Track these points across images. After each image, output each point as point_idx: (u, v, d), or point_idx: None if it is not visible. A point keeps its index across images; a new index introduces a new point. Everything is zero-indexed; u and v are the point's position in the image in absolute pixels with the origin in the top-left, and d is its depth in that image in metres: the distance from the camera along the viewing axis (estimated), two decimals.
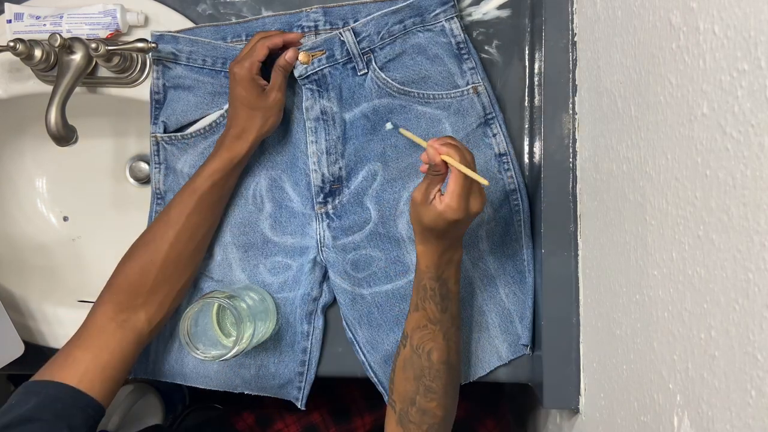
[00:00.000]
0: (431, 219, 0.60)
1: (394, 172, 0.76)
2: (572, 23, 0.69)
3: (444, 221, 0.60)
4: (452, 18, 0.74)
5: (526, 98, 0.77)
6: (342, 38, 0.74)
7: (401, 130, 0.73)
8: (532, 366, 0.77)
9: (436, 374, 0.66)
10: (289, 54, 0.73)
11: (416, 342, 0.66)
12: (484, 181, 0.58)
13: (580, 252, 0.69)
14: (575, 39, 0.69)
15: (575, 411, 0.71)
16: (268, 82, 0.73)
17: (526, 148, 0.77)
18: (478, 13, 0.77)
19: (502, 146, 0.76)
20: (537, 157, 0.74)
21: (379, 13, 0.73)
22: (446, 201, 0.59)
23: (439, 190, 0.61)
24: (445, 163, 0.60)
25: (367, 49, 0.74)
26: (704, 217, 0.40)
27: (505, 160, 0.76)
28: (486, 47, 0.77)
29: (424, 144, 0.64)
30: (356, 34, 0.74)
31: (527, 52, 0.77)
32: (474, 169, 0.59)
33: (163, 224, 0.72)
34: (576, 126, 0.69)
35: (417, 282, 0.66)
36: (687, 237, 0.43)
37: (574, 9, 0.69)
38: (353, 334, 0.78)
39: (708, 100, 0.39)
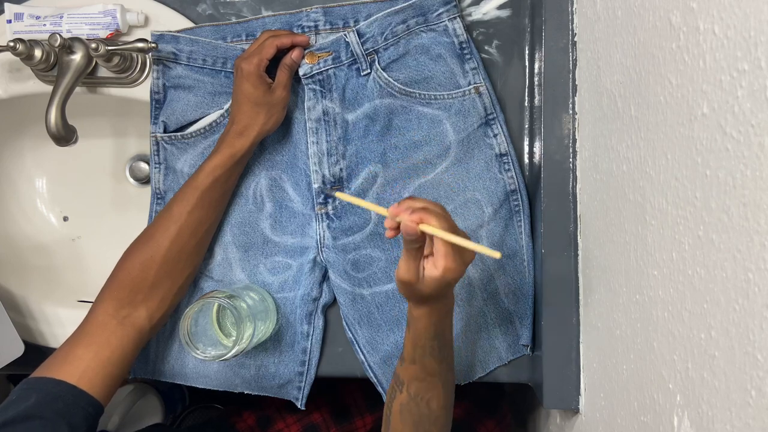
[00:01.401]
0: (432, 288, 0.56)
1: (395, 172, 0.76)
2: (572, 23, 0.69)
3: (446, 284, 0.55)
4: (455, 18, 0.74)
5: (526, 98, 0.77)
6: (347, 39, 0.74)
7: (338, 194, 0.62)
8: (532, 366, 0.77)
9: (436, 420, 0.65)
10: (295, 53, 0.73)
11: (414, 391, 0.64)
12: (493, 253, 0.50)
13: (580, 252, 0.69)
14: (575, 39, 0.69)
15: (575, 411, 0.71)
16: (272, 79, 0.73)
17: (526, 148, 0.77)
18: (478, 13, 0.77)
19: (503, 146, 0.76)
20: (537, 157, 0.74)
21: (383, 13, 0.73)
22: (443, 264, 0.54)
23: (424, 257, 0.56)
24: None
25: (371, 50, 0.74)
26: (704, 217, 0.40)
27: (506, 161, 0.76)
28: (486, 47, 0.77)
29: (380, 211, 0.57)
30: (360, 35, 0.74)
31: (527, 52, 0.77)
32: (453, 225, 0.55)
33: (164, 220, 0.72)
34: (576, 126, 0.69)
35: (414, 340, 0.62)
36: (687, 237, 0.43)
37: (574, 9, 0.69)
38: (353, 334, 0.78)
39: (708, 100, 0.39)
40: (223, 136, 0.73)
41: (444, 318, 0.61)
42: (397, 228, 0.56)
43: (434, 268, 0.54)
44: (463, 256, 0.55)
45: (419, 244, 0.55)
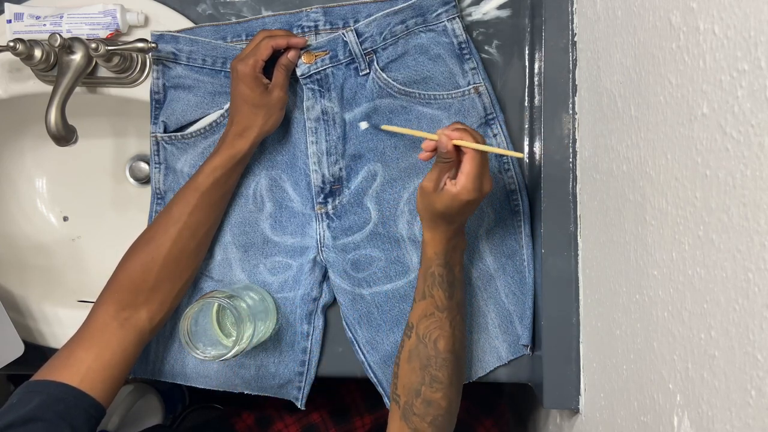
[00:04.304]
0: (445, 203, 0.62)
1: (395, 172, 0.76)
2: (572, 23, 0.69)
3: (459, 203, 0.61)
4: (454, 18, 0.74)
5: (526, 98, 0.77)
6: (345, 39, 0.74)
7: (384, 127, 0.74)
8: (532, 366, 0.77)
9: (443, 363, 0.66)
10: (291, 53, 0.73)
11: (422, 331, 0.66)
12: (517, 154, 0.62)
13: (580, 252, 0.69)
14: (575, 39, 0.69)
15: (575, 411, 0.71)
16: (270, 80, 0.73)
17: (526, 148, 0.77)
18: (478, 13, 0.77)
19: (502, 147, 0.76)
20: (537, 157, 0.74)
21: (382, 13, 0.73)
22: (461, 182, 0.61)
23: (449, 176, 0.62)
24: (456, 150, 0.61)
25: (370, 49, 0.74)
26: (704, 217, 0.40)
27: (505, 160, 0.76)
28: (486, 47, 0.77)
29: (420, 134, 0.66)
30: (359, 34, 0.74)
31: (527, 52, 0.77)
32: (483, 142, 0.62)
33: (164, 221, 0.72)
34: (576, 126, 0.69)
35: (424, 270, 0.67)
36: (687, 237, 0.43)
37: (574, 9, 0.69)
38: (353, 334, 0.78)
39: (708, 100, 0.39)
40: (223, 137, 0.73)
41: (453, 250, 0.67)
42: (433, 150, 0.64)
43: (453, 185, 0.61)
44: (482, 183, 0.62)
45: (450, 161, 0.62)
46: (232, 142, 0.72)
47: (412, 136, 0.74)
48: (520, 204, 0.76)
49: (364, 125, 0.76)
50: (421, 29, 0.74)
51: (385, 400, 0.78)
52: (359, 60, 0.74)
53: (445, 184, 0.62)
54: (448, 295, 0.66)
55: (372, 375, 0.78)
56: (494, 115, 0.75)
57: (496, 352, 0.77)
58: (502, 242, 0.76)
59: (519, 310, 0.76)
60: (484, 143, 0.62)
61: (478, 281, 0.76)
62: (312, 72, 0.75)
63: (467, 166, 0.60)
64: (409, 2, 0.72)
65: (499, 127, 0.76)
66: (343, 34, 0.74)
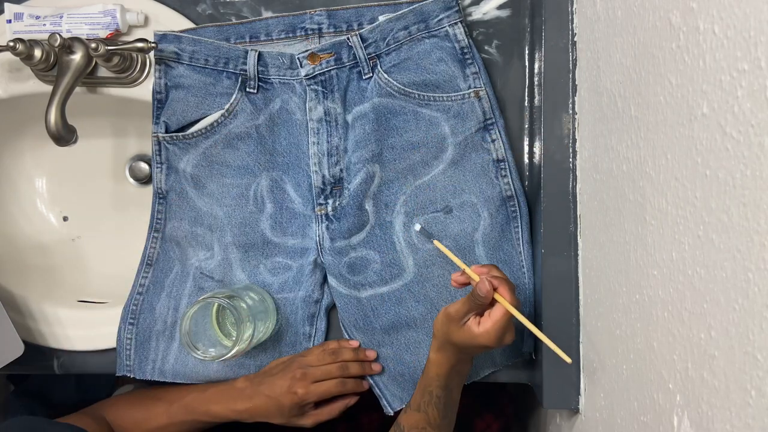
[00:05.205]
0: (462, 339, 0.62)
1: (391, 173, 0.76)
2: (572, 23, 0.69)
3: (475, 344, 0.61)
4: (456, 23, 0.74)
5: (526, 98, 0.77)
6: (350, 43, 0.74)
7: (435, 242, 0.72)
8: (531, 366, 0.77)
9: None
10: (340, 404, 0.77)
11: None
12: (564, 357, 0.59)
13: (580, 252, 0.69)
14: (575, 39, 0.69)
15: (575, 411, 0.71)
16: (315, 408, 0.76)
17: (526, 149, 0.77)
18: (478, 13, 0.77)
19: (500, 152, 0.75)
20: (537, 157, 0.74)
21: (385, 20, 0.73)
22: (486, 327, 0.60)
23: (475, 313, 0.62)
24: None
25: (374, 54, 0.74)
26: (704, 217, 0.40)
27: (503, 167, 0.75)
28: (486, 47, 0.77)
29: (459, 264, 0.65)
30: (363, 39, 0.74)
31: (527, 52, 0.77)
32: (519, 307, 0.61)
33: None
34: (576, 126, 0.69)
35: (423, 386, 0.67)
36: (687, 237, 0.43)
37: (574, 9, 0.69)
38: (350, 337, 0.78)
39: (708, 100, 0.39)
40: (225, 394, 0.76)
41: (455, 376, 0.67)
42: (465, 283, 0.64)
43: (477, 325, 0.61)
44: (504, 335, 0.62)
45: (483, 304, 0.61)
46: (233, 405, 0.75)
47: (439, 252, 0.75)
48: (518, 211, 0.76)
49: (418, 227, 0.75)
50: (423, 35, 0.74)
51: (383, 402, 0.78)
52: (363, 64, 0.75)
53: (468, 319, 0.62)
54: (442, 416, 0.67)
55: (369, 378, 0.78)
56: (493, 120, 0.75)
57: (490, 357, 0.77)
58: (498, 248, 0.76)
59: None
60: (513, 292, 0.62)
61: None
62: (317, 73, 0.75)
63: (498, 314, 0.60)
64: (411, 7, 0.73)
65: (497, 132, 0.75)
66: (348, 38, 0.74)
